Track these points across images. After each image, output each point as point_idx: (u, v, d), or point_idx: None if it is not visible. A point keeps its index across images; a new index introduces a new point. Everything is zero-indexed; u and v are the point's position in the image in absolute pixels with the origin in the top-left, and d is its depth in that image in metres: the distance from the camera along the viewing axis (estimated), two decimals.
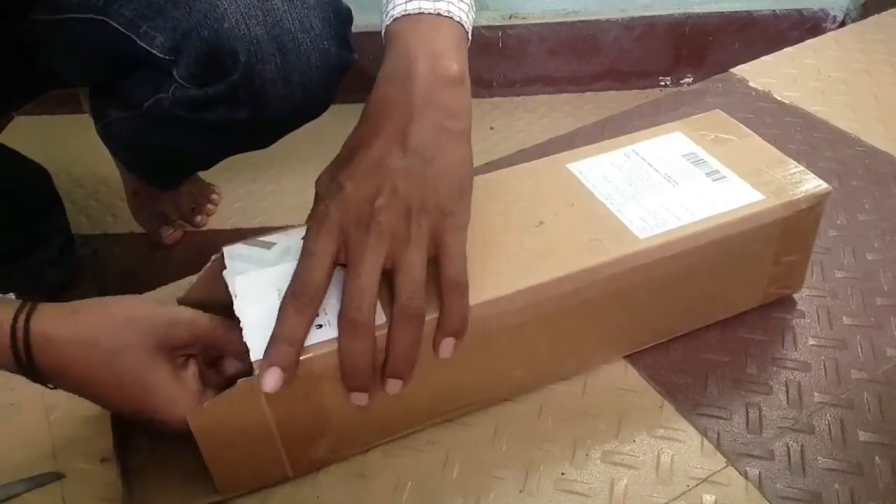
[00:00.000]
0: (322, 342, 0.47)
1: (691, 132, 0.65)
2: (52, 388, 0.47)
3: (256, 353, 0.46)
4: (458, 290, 0.47)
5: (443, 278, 0.47)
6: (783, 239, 0.59)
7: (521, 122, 1.37)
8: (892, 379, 0.59)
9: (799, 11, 1.31)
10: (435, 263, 0.47)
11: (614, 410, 0.57)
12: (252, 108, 0.67)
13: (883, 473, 0.52)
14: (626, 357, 0.61)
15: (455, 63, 0.51)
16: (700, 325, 0.63)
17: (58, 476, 0.53)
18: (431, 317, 0.48)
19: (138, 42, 0.66)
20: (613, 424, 0.56)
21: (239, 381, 0.46)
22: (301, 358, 0.46)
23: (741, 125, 0.66)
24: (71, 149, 1.27)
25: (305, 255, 0.46)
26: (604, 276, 0.53)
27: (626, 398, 0.58)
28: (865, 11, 1.22)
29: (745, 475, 0.53)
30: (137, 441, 0.54)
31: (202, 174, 1.11)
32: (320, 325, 0.47)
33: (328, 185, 0.49)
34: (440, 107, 0.50)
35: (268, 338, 0.45)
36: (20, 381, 0.63)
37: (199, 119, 0.69)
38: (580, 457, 0.54)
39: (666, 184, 0.59)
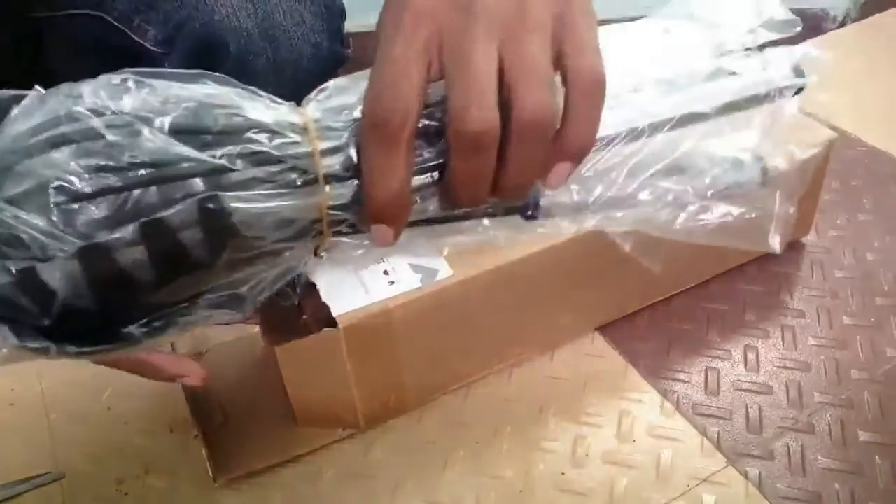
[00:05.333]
0: (397, 295, 0.50)
1: None
2: None
3: (337, 308, 0.49)
4: (593, 91, 0.33)
5: (572, 73, 0.33)
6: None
7: None
8: (892, 379, 0.59)
9: (799, 11, 1.31)
10: (555, 61, 0.34)
11: (615, 409, 0.58)
12: None
13: (883, 473, 0.52)
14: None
15: None
16: (729, 267, 0.68)
17: (58, 476, 0.52)
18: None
19: (132, 36, 0.66)
20: (614, 424, 0.57)
21: (324, 329, 0.49)
22: (379, 310, 0.49)
23: None
24: None
25: (385, 62, 0.32)
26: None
27: (628, 398, 0.59)
28: (865, 11, 1.22)
29: (745, 475, 0.53)
30: (210, 410, 0.58)
31: None
32: (392, 282, 0.50)
33: None
34: None
35: (343, 295, 0.49)
36: (20, 381, 0.63)
37: None
38: (580, 457, 0.54)
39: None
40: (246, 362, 0.61)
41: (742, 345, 0.62)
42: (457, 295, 0.52)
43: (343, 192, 0.33)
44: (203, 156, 0.30)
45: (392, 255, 0.52)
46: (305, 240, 0.34)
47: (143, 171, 0.29)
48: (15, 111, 0.30)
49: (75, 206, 0.28)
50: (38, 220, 0.28)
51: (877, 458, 0.53)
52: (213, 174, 0.30)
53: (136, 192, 0.29)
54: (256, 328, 0.62)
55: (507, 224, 0.38)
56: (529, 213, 0.38)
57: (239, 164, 0.30)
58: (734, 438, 0.55)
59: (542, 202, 0.38)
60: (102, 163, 0.28)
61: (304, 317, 0.52)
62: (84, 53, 0.75)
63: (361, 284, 0.51)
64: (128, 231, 0.28)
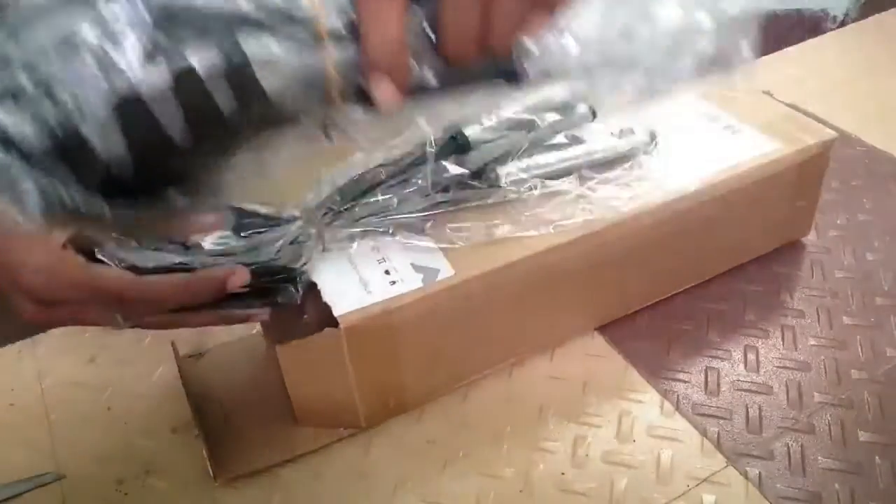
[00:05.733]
0: (398, 296, 0.51)
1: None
2: None
3: (338, 308, 0.50)
4: None
5: None
6: (797, 184, 0.65)
7: None
8: (892, 379, 0.59)
9: (799, 11, 1.31)
10: None
11: (615, 409, 0.58)
12: None
13: (883, 473, 0.52)
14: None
15: None
16: (730, 266, 0.69)
17: (58, 476, 0.53)
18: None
19: None
20: (614, 424, 0.57)
21: (325, 329, 0.49)
22: (380, 310, 0.50)
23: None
24: None
25: None
26: (642, 224, 0.58)
27: (628, 398, 0.59)
28: (865, 11, 1.22)
29: (745, 475, 0.53)
30: (211, 410, 0.58)
31: None
32: (393, 282, 0.51)
33: None
34: None
35: (344, 296, 0.49)
36: (20, 381, 0.63)
37: None
38: (580, 457, 0.54)
39: (688, 138, 0.65)
40: (246, 362, 0.61)
41: (742, 345, 0.62)
42: (458, 295, 0.53)
43: (348, 53, 0.34)
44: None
45: (395, 254, 0.52)
46: (320, 109, 0.34)
47: (173, 16, 0.29)
48: None
49: (109, 48, 0.28)
50: (73, 73, 0.27)
51: (877, 458, 0.53)
52: (236, 23, 0.30)
53: (165, 34, 0.29)
54: (258, 328, 0.62)
55: (497, 92, 0.40)
56: (515, 77, 0.40)
57: (261, 14, 0.31)
58: (734, 438, 0.55)
59: (527, 66, 0.39)
60: (134, 6, 0.28)
61: (306, 316, 0.52)
62: None
63: (363, 284, 0.51)
64: (161, 73, 0.28)
